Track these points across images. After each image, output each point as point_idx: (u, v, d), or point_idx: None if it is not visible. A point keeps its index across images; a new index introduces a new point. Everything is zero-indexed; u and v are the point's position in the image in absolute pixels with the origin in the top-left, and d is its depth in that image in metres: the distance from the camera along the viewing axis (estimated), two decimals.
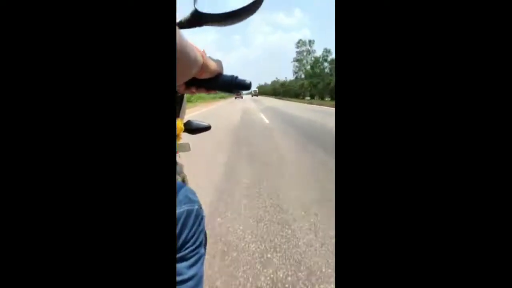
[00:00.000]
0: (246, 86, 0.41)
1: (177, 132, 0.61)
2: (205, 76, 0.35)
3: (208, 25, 0.37)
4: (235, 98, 38.00)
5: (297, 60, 44.68)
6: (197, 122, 0.73)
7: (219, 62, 0.38)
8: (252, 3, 0.35)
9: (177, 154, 0.80)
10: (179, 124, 0.60)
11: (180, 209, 0.42)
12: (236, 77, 0.41)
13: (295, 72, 43.26)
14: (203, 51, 0.33)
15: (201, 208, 0.47)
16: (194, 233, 0.43)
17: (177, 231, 0.40)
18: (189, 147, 0.93)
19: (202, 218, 0.46)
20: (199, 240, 0.44)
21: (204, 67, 0.33)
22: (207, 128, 0.75)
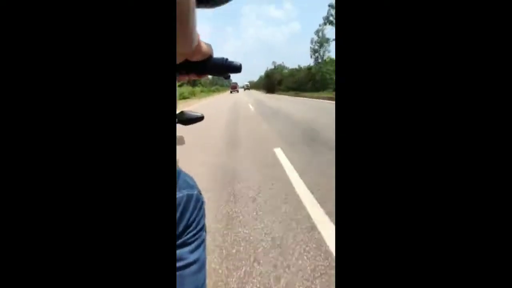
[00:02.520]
0: (237, 68, 0.41)
1: None
2: (197, 57, 0.35)
3: (200, 7, 0.37)
4: (231, 92, 37.60)
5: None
6: (190, 113, 0.72)
7: (209, 45, 0.38)
8: None
9: None
10: None
11: (180, 194, 0.42)
12: (227, 59, 0.40)
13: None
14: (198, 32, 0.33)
15: (200, 193, 0.47)
16: (195, 217, 0.43)
17: (178, 215, 0.40)
18: (184, 141, 0.93)
19: (202, 203, 0.46)
20: (200, 224, 0.44)
21: (198, 47, 0.33)
22: (201, 118, 0.75)
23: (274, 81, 32.80)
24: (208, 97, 25.66)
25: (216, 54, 0.39)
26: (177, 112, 0.69)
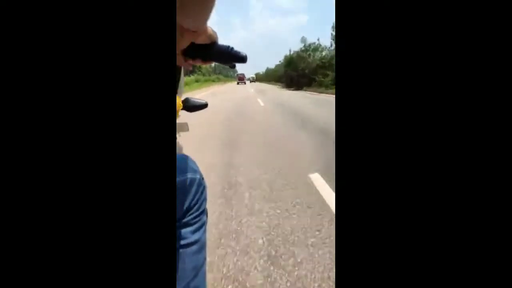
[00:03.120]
0: (241, 58, 0.41)
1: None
2: (202, 40, 0.35)
3: None
4: (237, 83, 36.77)
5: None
6: (195, 100, 0.73)
7: (214, 32, 0.38)
8: None
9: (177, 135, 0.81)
10: (178, 101, 0.60)
11: (184, 177, 0.43)
12: (232, 48, 0.40)
13: None
14: None
15: (202, 178, 0.48)
16: (197, 200, 0.45)
17: (181, 197, 0.41)
18: (188, 127, 0.93)
19: (204, 188, 0.48)
20: (202, 207, 0.46)
21: (205, 30, 0.33)
22: (205, 105, 0.75)
23: (302, 71, 18.85)
24: (196, 90, 17.69)
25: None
26: (182, 99, 0.69)
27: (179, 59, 0.40)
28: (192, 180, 0.44)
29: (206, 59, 0.40)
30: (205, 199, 0.48)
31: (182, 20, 0.28)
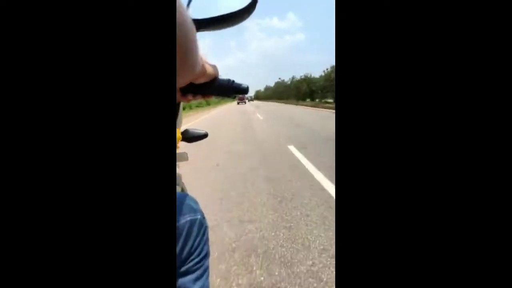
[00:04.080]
0: (243, 90, 0.40)
1: None
2: (202, 80, 0.34)
3: (202, 30, 0.37)
4: (238, 103, 37.36)
5: None
6: (194, 130, 0.72)
7: (214, 66, 0.37)
8: (246, 7, 0.35)
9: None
10: (177, 133, 0.59)
11: (183, 220, 0.40)
12: (233, 81, 0.40)
13: None
14: (202, 54, 0.33)
15: (204, 217, 0.45)
16: (199, 244, 0.42)
17: (181, 242, 0.38)
18: (187, 157, 0.92)
19: (205, 228, 0.45)
20: (204, 251, 0.43)
21: (202, 70, 0.32)
22: (204, 136, 0.74)
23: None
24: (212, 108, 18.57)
25: (219, 67, 0.38)
26: (182, 129, 0.69)
27: (178, 95, 0.39)
28: (193, 222, 0.41)
29: (207, 94, 0.39)
30: (206, 241, 0.45)
31: None
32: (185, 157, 0.92)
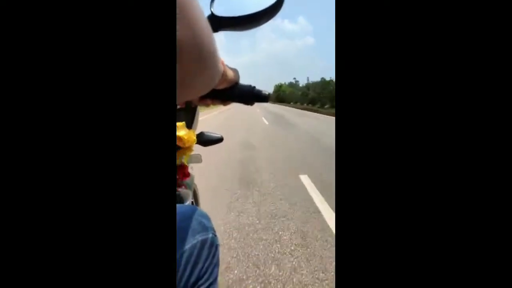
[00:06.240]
0: (264, 97, 0.38)
1: (189, 144, 0.58)
2: (222, 86, 0.32)
3: (225, 29, 0.34)
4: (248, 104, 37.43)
5: None
6: (209, 134, 0.70)
7: (236, 71, 0.34)
8: (271, 6, 0.32)
9: (189, 166, 0.78)
10: (192, 136, 0.58)
11: (194, 240, 0.37)
12: (254, 87, 0.37)
13: None
14: (222, 59, 0.30)
15: (215, 235, 0.42)
16: (208, 266, 0.38)
17: (190, 266, 0.35)
18: (201, 159, 0.91)
19: (216, 247, 0.42)
20: (214, 275, 0.39)
21: (223, 76, 0.29)
22: (219, 140, 0.72)
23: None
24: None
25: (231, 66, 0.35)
26: (197, 132, 0.67)
27: (195, 100, 0.37)
28: (203, 242, 0.38)
29: (226, 100, 0.37)
30: (217, 264, 0.41)
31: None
32: (199, 159, 0.91)
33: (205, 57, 0.18)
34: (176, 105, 0.26)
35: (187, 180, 0.75)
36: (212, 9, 0.33)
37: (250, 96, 0.37)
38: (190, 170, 0.77)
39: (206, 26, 0.18)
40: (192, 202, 0.87)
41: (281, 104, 42.11)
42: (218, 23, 0.32)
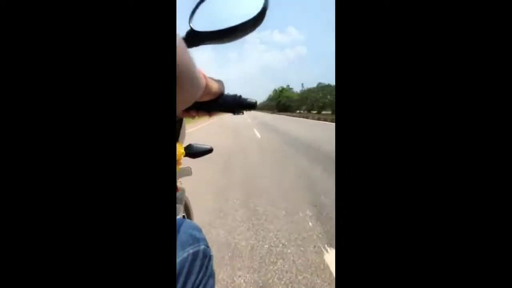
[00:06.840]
0: (250, 105, 0.38)
1: (177, 158, 0.58)
2: (207, 98, 0.32)
3: (206, 43, 0.35)
4: (235, 113, 37.31)
5: None
6: (198, 146, 0.70)
7: (220, 82, 0.35)
8: (252, 19, 0.33)
9: (178, 180, 0.77)
10: (180, 148, 0.57)
11: (185, 254, 0.36)
12: (240, 96, 0.38)
13: None
14: (203, 72, 0.30)
15: (207, 246, 0.41)
16: (202, 278, 0.37)
17: (183, 278, 0.34)
18: (191, 171, 0.90)
19: (209, 259, 0.40)
20: (209, 286, 0.38)
21: (206, 89, 0.30)
22: (209, 151, 0.72)
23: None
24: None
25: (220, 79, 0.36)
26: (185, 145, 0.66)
27: (179, 111, 0.37)
28: (195, 254, 0.37)
29: (211, 111, 0.37)
30: (212, 275, 0.40)
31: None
32: (189, 172, 0.90)
33: (179, 75, 0.19)
34: (176, 115, 0.27)
35: (177, 193, 0.74)
36: (191, 24, 0.34)
37: (235, 105, 0.37)
38: (179, 184, 0.76)
39: (179, 45, 0.19)
40: (184, 216, 0.85)
41: (282, 114, 35.21)
42: (198, 38, 0.33)
